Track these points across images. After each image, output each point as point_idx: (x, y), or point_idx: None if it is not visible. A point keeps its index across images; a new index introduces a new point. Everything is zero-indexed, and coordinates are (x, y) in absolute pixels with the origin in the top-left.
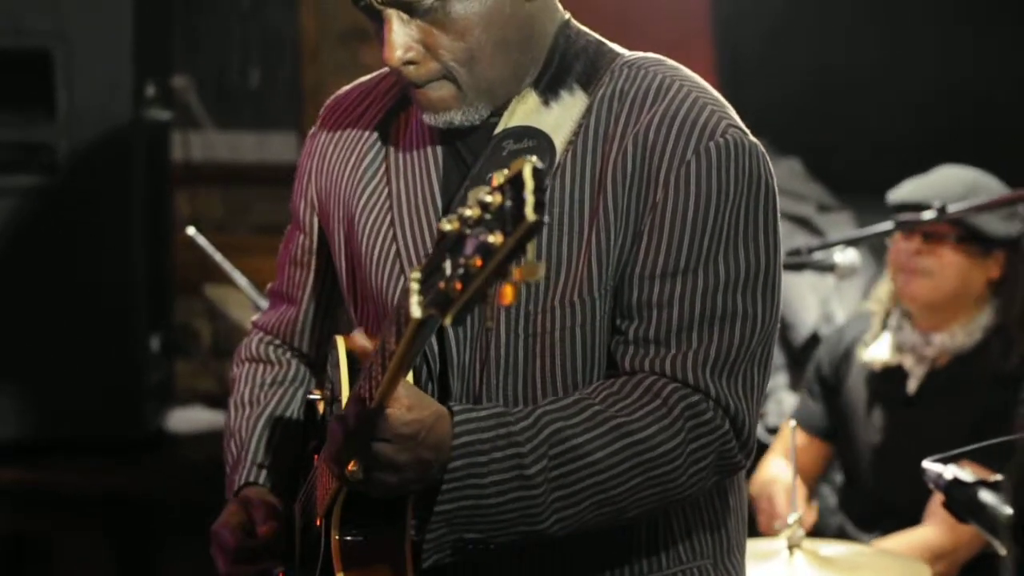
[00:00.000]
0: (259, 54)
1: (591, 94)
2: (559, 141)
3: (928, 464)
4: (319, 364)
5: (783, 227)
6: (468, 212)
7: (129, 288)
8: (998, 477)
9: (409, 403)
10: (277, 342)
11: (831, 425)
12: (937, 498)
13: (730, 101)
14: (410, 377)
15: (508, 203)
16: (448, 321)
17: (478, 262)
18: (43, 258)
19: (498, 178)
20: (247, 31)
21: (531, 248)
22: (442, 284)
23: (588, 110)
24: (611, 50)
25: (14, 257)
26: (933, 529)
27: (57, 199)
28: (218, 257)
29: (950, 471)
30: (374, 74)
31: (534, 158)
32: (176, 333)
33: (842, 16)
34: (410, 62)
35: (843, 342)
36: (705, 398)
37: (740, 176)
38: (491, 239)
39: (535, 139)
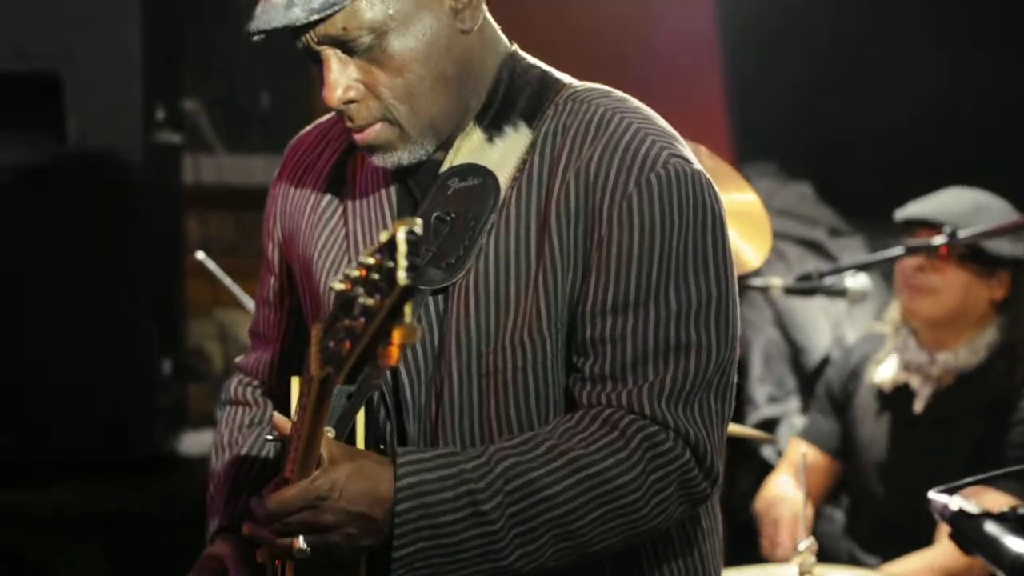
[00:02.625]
0: (269, 77)
1: (535, 129)
2: (503, 178)
3: (933, 495)
4: None
5: (795, 251)
6: (354, 273)
7: (140, 311)
8: (1009, 503)
9: (326, 462)
10: (256, 383)
11: (840, 443)
12: None
13: (739, 126)
14: (360, 442)
15: (387, 266)
16: (340, 380)
17: (360, 323)
18: (55, 281)
19: (382, 237)
20: (257, 53)
21: (408, 310)
22: (333, 344)
23: (532, 146)
24: (557, 81)
25: (26, 279)
26: (946, 549)
27: (66, 223)
28: (228, 281)
29: (955, 502)
30: (332, 114)
31: (417, 220)
32: (188, 356)
33: (852, 41)
34: (351, 101)
35: (851, 361)
36: (663, 428)
37: (684, 205)
38: (370, 302)
39: (480, 177)
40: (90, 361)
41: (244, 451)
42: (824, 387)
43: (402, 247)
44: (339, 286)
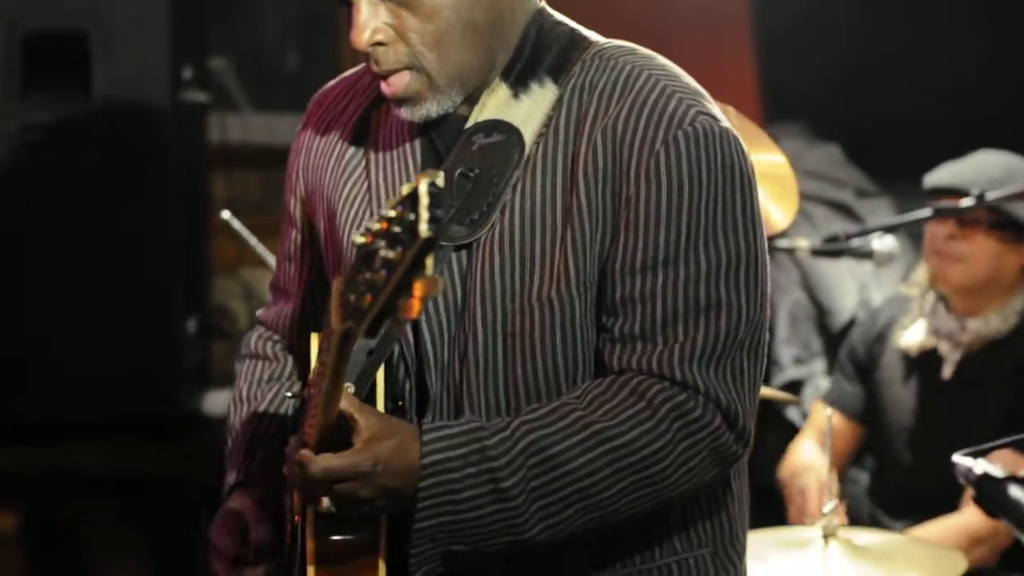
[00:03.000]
0: (297, 35)
1: (561, 86)
2: (529, 134)
3: (958, 458)
4: None
5: (822, 212)
6: (375, 226)
7: (166, 270)
8: None
9: (368, 435)
10: (276, 337)
11: (864, 407)
12: None
13: (768, 87)
14: (380, 399)
15: (407, 219)
16: (361, 333)
17: (381, 275)
18: (80, 239)
19: (403, 191)
20: (285, 11)
21: (429, 263)
22: (354, 297)
23: (558, 102)
24: (584, 39)
25: (51, 238)
26: (972, 513)
27: (93, 181)
28: (253, 241)
29: (980, 465)
30: (357, 68)
31: (438, 173)
32: (213, 314)
33: (884, 3)
34: (378, 43)
35: (877, 324)
36: (694, 394)
37: (712, 164)
38: (391, 255)
39: (504, 133)
40: (116, 320)
41: (263, 406)
42: (848, 351)
43: (424, 199)
44: (360, 239)
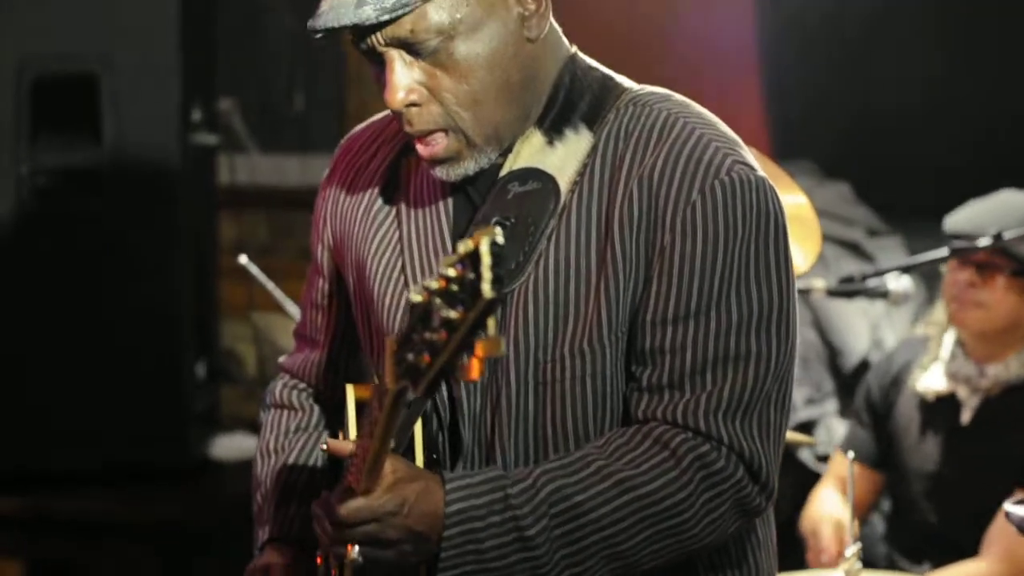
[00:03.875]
0: (303, 77)
1: (596, 133)
2: (564, 182)
3: (1012, 507)
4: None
5: (832, 251)
6: (434, 284)
7: (176, 314)
8: None
9: (393, 479)
10: (302, 386)
11: (881, 453)
12: (996, 529)
13: (777, 125)
14: (419, 452)
15: (468, 278)
16: (418, 393)
17: (442, 336)
18: (89, 284)
19: (462, 249)
20: (292, 53)
21: (492, 323)
22: (411, 356)
23: (593, 149)
24: (617, 85)
25: (60, 282)
26: (991, 562)
27: (103, 225)
28: (270, 286)
29: None
30: (385, 113)
31: (497, 230)
32: (222, 359)
33: (890, 36)
34: (412, 104)
35: (893, 367)
36: (717, 446)
37: (748, 213)
38: (453, 314)
39: (540, 181)
40: (126, 365)
41: (292, 458)
42: (864, 396)
43: (486, 258)
44: (417, 297)
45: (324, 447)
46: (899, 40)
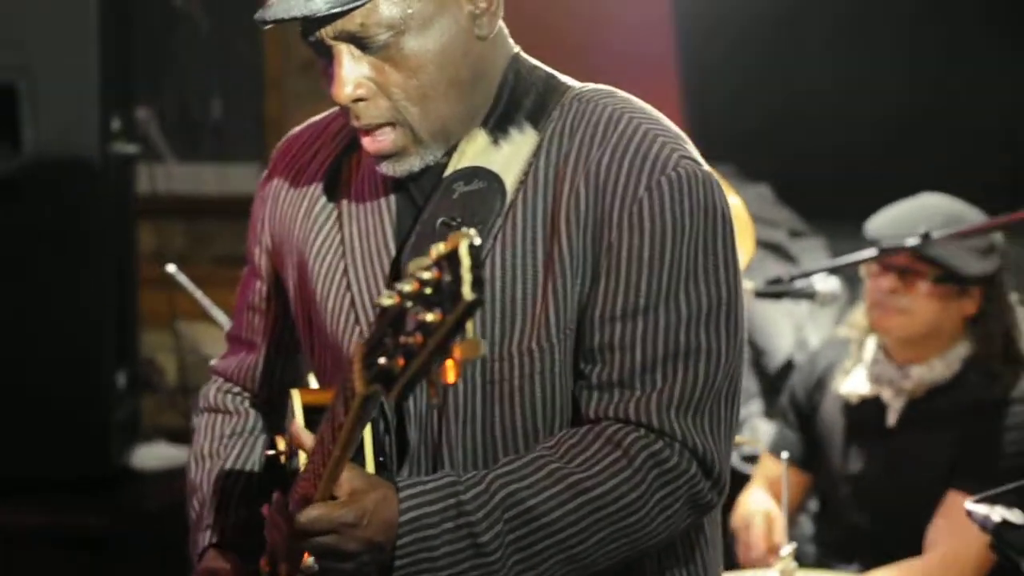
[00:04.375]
0: (221, 85)
1: (541, 131)
2: (510, 181)
3: (972, 506)
4: (279, 408)
5: (756, 253)
6: (407, 288)
7: (96, 323)
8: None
9: (351, 487)
10: (236, 389)
11: (808, 453)
12: (938, 529)
13: (696, 127)
14: (369, 455)
15: (446, 280)
16: (392, 398)
17: (418, 339)
18: (8, 293)
19: (436, 251)
20: (208, 61)
21: (471, 326)
22: (384, 360)
23: (538, 148)
24: (561, 83)
25: None
26: (936, 563)
27: (23, 234)
28: (198, 294)
29: (998, 513)
30: (325, 114)
31: (472, 232)
32: (142, 368)
33: (810, 39)
34: (360, 98)
35: (816, 369)
36: (670, 442)
37: (695, 209)
38: (430, 317)
39: (485, 180)
40: (46, 374)
41: (229, 463)
42: (789, 397)
43: (466, 260)
44: (388, 301)
45: (271, 451)
46: (818, 41)
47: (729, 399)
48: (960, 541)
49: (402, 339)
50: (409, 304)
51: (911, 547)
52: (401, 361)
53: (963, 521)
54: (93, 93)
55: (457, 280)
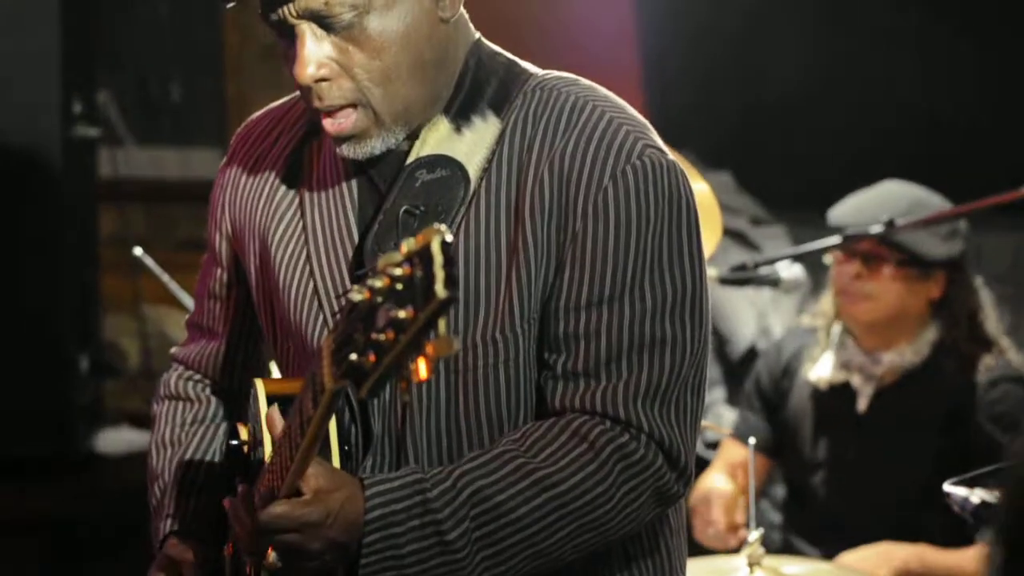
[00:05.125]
0: (181, 68)
1: (504, 118)
2: (473, 169)
3: (952, 488)
4: (240, 396)
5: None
6: (378, 283)
7: (58, 307)
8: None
9: (316, 485)
10: (197, 377)
11: (773, 439)
12: None
13: (656, 114)
14: (334, 447)
15: (418, 276)
16: (363, 394)
17: (390, 335)
18: None
19: (407, 247)
20: (168, 45)
21: (443, 323)
22: (354, 356)
23: (501, 136)
24: (523, 70)
25: None
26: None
27: None
28: (165, 278)
29: (976, 495)
30: (285, 99)
31: (444, 228)
32: (104, 352)
33: (771, 28)
34: (323, 79)
35: (783, 358)
36: (637, 434)
37: (660, 198)
38: (402, 314)
39: (448, 168)
40: (6, 358)
41: (191, 452)
42: (754, 384)
43: (438, 257)
44: (358, 296)
45: (234, 441)
46: (782, 29)
47: (695, 389)
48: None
49: (373, 335)
50: (380, 300)
51: (880, 532)
52: (372, 357)
53: None
54: (54, 76)
55: (429, 277)
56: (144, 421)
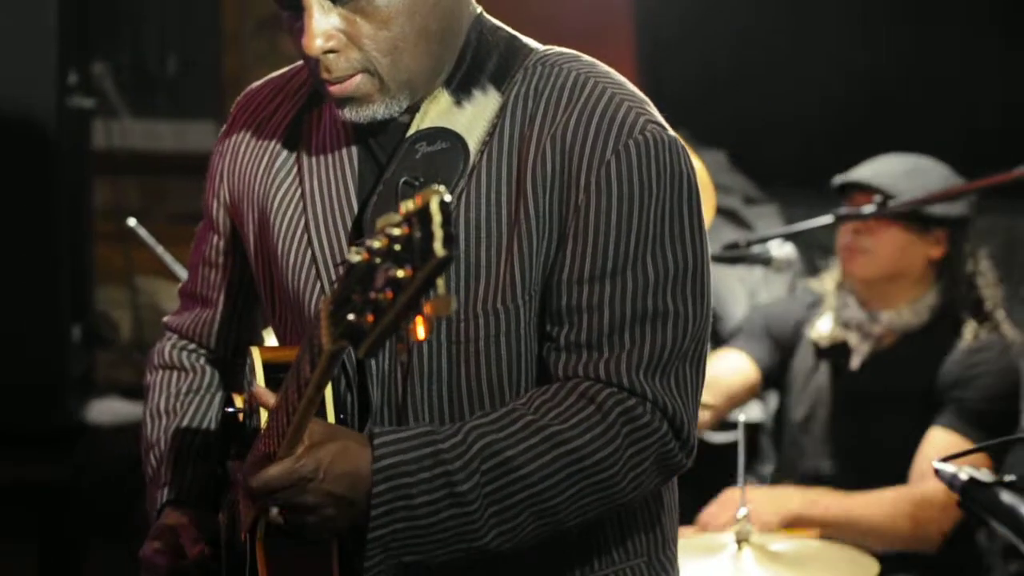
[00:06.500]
0: (177, 41)
1: (504, 93)
2: (473, 142)
3: (940, 465)
4: (236, 365)
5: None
6: (376, 244)
7: (52, 278)
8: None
9: (309, 442)
10: (192, 346)
11: (771, 364)
12: (926, 458)
13: (651, 93)
14: (330, 411)
15: (416, 236)
16: (361, 354)
17: (388, 295)
18: None
19: (405, 208)
20: (165, 17)
21: (441, 282)
22: (352, 316)
23: (502, 109)
24: (524, 45)
25: None
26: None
27: None
28: (159, 249)
29: (966, 471)
30: (285, 69)
31: (442, 188)
32: (97, 323)
33: (767, 8)
34: (331, 50)
35: (795, 311)
36: (641, 401)
37: (662, 173)
38: (400, 273)
39: (448, 141)
40: (2, 328)
41: (186, 420)
42: (764, 317)
43: (437, 216)
44: (356, 257)
45: (230, 409)
46: (776, 8)
47: (695, 362)
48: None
49: (371, 295)
50: (378, 260)
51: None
52: (371, 317)
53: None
54: (51, 47)
55: (428, 236)
56: (135, 392)
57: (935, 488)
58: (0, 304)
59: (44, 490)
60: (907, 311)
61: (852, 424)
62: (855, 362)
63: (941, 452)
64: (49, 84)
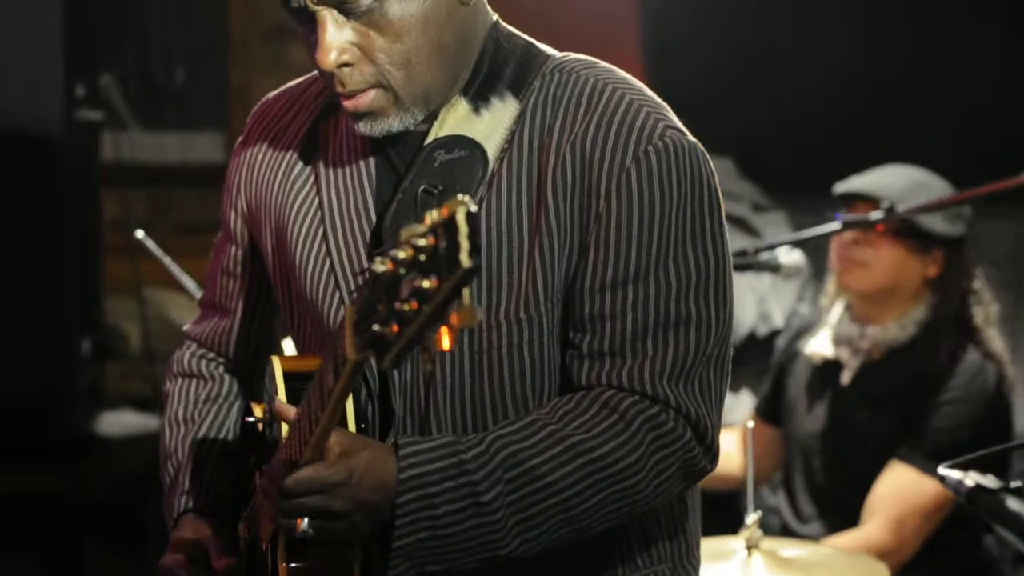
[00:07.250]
0: (184, 52)
1: (522, 100)
2: (491, 150)
3: (946, 471)
4: (254, 374)
5: None
6: (401, 254)
7: (60, 290)
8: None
9: (340, 449)
10: (211, 355)
11: (779, 411)
12: (879, 496)
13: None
14: (351, 421)
15: (442, 247)
16: (386, 364)
17: (413, 306)
18: None
19: (430, 218)
20: (172, 29)
21: (467, 293)
22: (377, 327)
23: (520, 117)
24: (541, 52)
25: None
26: (878, 531)
27: None
28: (167, 261)
29: (971, 478)
30: (301, 79)
31: (468, 199)
32: (106, 335)
33: (774, 15)
34: (345, 64)
35: (791, 332)
36: (664, 408)
37: (683, 179)
38: (426, 284)
39: (467, 149)
40: (9, 341)
41: (204, 429)
42: (776, 356)
43: (463, 227)
44: (381, 267)
45: (250, 418)
46: (782, 14)
47: (719, 367)
48: (906, 512)
49: (396, 305)
50: (403, 271)
51: (857, 508)
52: (396, 328)
53: (905, 488)
54: (57, 59)
55: (454, 247)
56: (145, 404)
57: (877, 532)
58: (8, 316)
59: (53, 502)
60: (893, 326)
61: (844, 439)
62: (845, 378)
63: (895, 487)
64: (56, 97)
